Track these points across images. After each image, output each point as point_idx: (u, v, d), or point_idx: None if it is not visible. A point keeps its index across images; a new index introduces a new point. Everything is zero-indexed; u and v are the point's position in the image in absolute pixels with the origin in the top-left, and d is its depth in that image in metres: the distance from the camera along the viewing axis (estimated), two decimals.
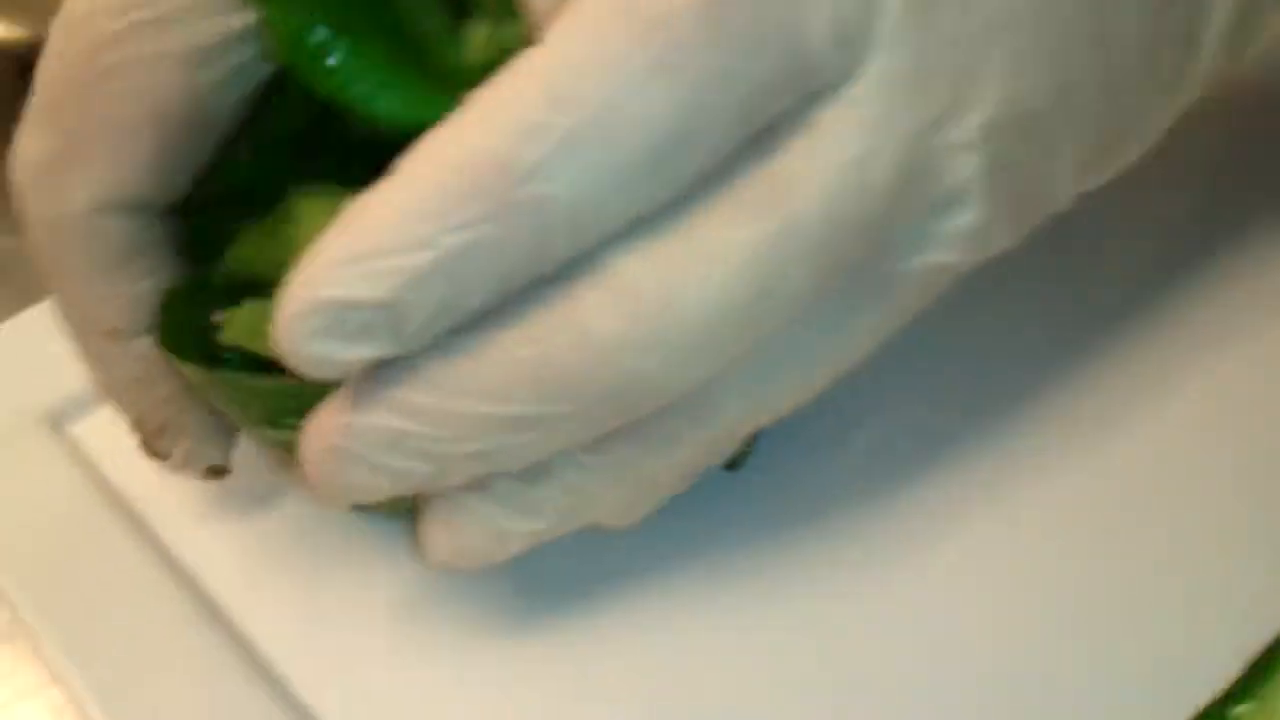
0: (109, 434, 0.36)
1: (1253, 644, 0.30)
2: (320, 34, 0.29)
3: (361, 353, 0.25)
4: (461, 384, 0.26)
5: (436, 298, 0.24)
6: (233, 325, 0.32)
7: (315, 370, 0.25)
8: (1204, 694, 0.29)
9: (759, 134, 0.25)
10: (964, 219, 0.27)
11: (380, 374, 0.26)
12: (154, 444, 0.34)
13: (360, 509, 0.31)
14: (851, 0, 0.25)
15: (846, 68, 0.25)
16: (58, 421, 0.39)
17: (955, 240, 0.27)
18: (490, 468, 0.27)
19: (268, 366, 0.28)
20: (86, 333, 0.33)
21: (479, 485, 0.28)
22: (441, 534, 0.29)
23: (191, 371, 0.32)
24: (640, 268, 0.25)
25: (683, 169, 0.24)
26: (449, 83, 0.28)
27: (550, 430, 0.26)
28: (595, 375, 0.25)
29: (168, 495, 0.37)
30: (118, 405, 0.34)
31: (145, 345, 0.32)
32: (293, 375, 0.26)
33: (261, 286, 0.30)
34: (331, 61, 0.29)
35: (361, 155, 0.27)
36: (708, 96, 0.24)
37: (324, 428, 0.27)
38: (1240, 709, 0.29)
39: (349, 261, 0.24)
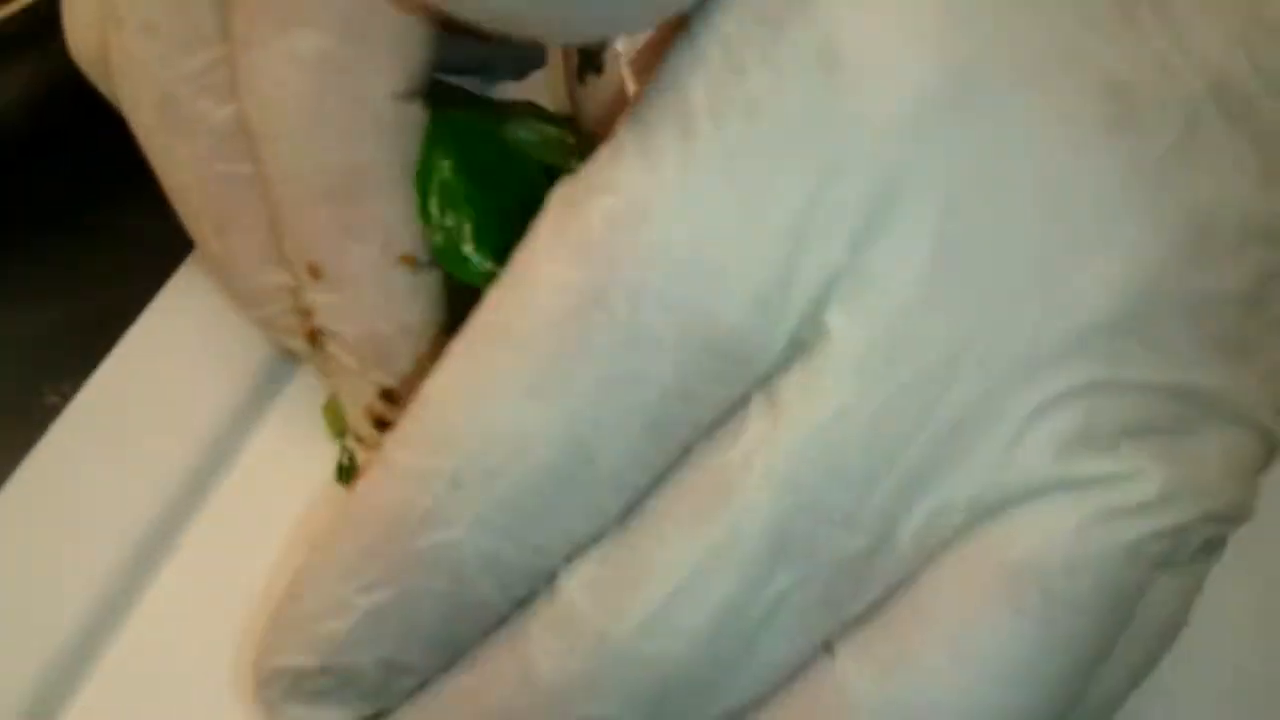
0: None
1: None
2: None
3: (334, 715, 0.25)
4: None
5: (375, 658, 0.24)
6: None
7: None
8: None
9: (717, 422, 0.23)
10: None
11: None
12: (395, 408, 0.31)
13: None
14: (768, 272, 0.22)
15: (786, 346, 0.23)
16: None
17: None
18: None
19: None
20: (379, 266, 0.30)
21: None
22: None
23: None
24: (579, 594, 0.23)
25: (594, 488, 0.23)
26: None
27: None
28: None
29: None
30: (367, 358, 0.31)
31: (437, 281, 0.31)
32: None
33: None
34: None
35: None
36: (596, 413, 0.23)
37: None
38: None
39: (287, 630, 0.25)
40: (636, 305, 0.22)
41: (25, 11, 0.42)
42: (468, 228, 0.30)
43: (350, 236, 0.29)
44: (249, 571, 0.35)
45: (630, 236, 0.22)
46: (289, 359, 0.38)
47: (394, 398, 0.31)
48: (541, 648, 0.24)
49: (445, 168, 0.30)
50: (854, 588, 0.24)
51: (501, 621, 0.24)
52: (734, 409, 0.23)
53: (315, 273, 0.29)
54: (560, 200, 0.23)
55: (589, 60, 0.36)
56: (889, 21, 0.22)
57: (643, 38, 0.33)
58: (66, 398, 0.41)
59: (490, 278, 0.26)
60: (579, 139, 0.36)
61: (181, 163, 0.30)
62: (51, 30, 0.42)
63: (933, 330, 0.22)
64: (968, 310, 0.22)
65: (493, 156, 0.32)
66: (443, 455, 0.23)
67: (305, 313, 0.31)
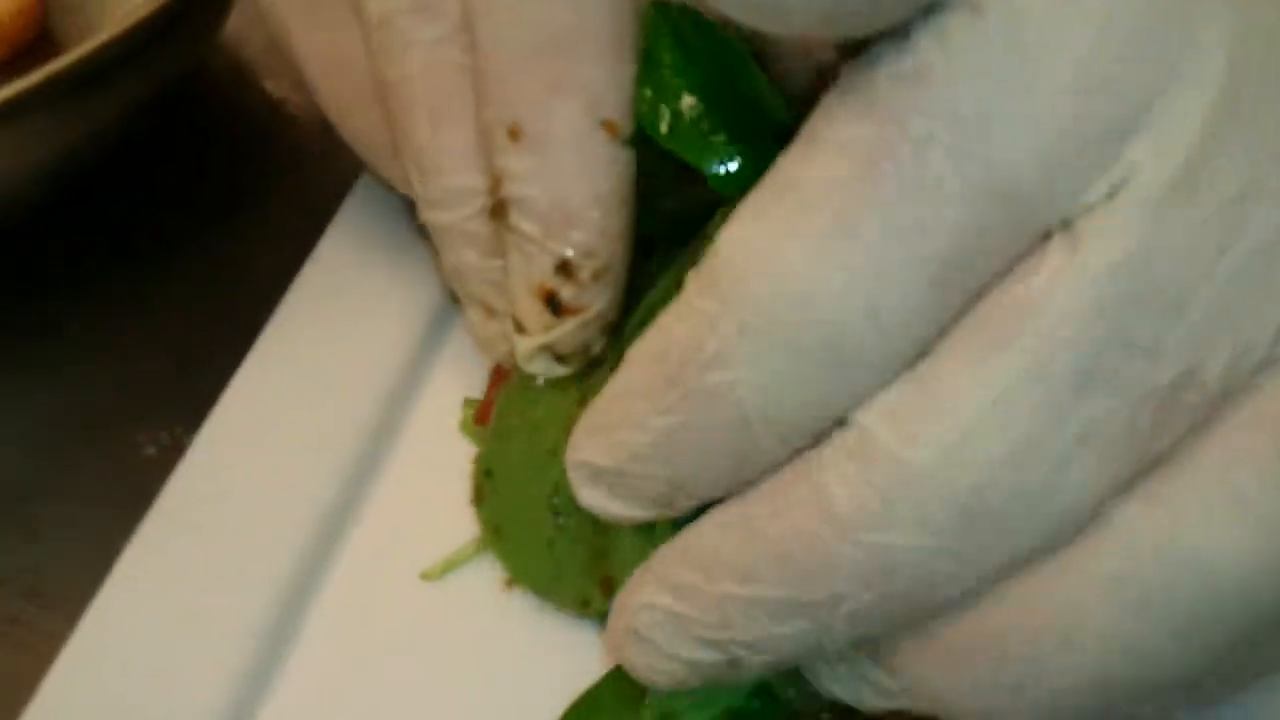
0: None
1: None
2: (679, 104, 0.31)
3: (623, 510, 0.27)
4: (718, 562, 0.25)
5: (663, 474, 0.25)
6: None
7: (600, 515, 0.28)
8: None
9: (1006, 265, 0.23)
10: None
11: (660, 551, 0.27)
12: (573, 286, 0.31)
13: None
14: (1058, 123, 0.22)
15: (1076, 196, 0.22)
16: None
17: None
18: (773, 660, 0.25)
19: None
20: (581, 128, 0.30)
21: None
22: None
23: None
24: (878, 425, 0.23)
25: (878, 340, 0.23)
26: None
27: (816, 619, 0.24)
28: (842, 553, 0.23)
29: None
30: (553, 223, 0.30)
31: (633, 158, 0.31)
32: None
33: None
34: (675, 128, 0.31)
35: None
36: (880, 265, 0.22)
37: (621, 608, 0.27)
38: None
39: (591, 431, 0.27)
40: (924, 157, 0.22)
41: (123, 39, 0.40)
42: (702, 110, 0.31)
43: (557, 94, 0.29)
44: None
45: (917, 92, 0.22)
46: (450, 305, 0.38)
47: (570, 271, 0.31)
48: (837, 475, 0.23)
49: (669, 59, 0.31)
50: (1159, 423, 0.23)
51: (786, 460, 0.24)
52: (1026, 252, 0.23)
53: (515, 134, 0.30)
54: (847, 69, 0.23)
55: None
56: None
57: None
58: (164, 447, 0.39)
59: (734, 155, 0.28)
60: None
61: (415, 47, 0.31)
62: (120, 69, 0.42)
63: (1230, 160, 0.22)
64: (1264, 138, 0.22)
65: (714, 45, 0.32)
66: (731, 303, 0.23)
67: (496, 182, 0.31)
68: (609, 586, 0.34)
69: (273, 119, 0.49)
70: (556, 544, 0.34)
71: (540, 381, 0.35)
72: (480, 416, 0.38)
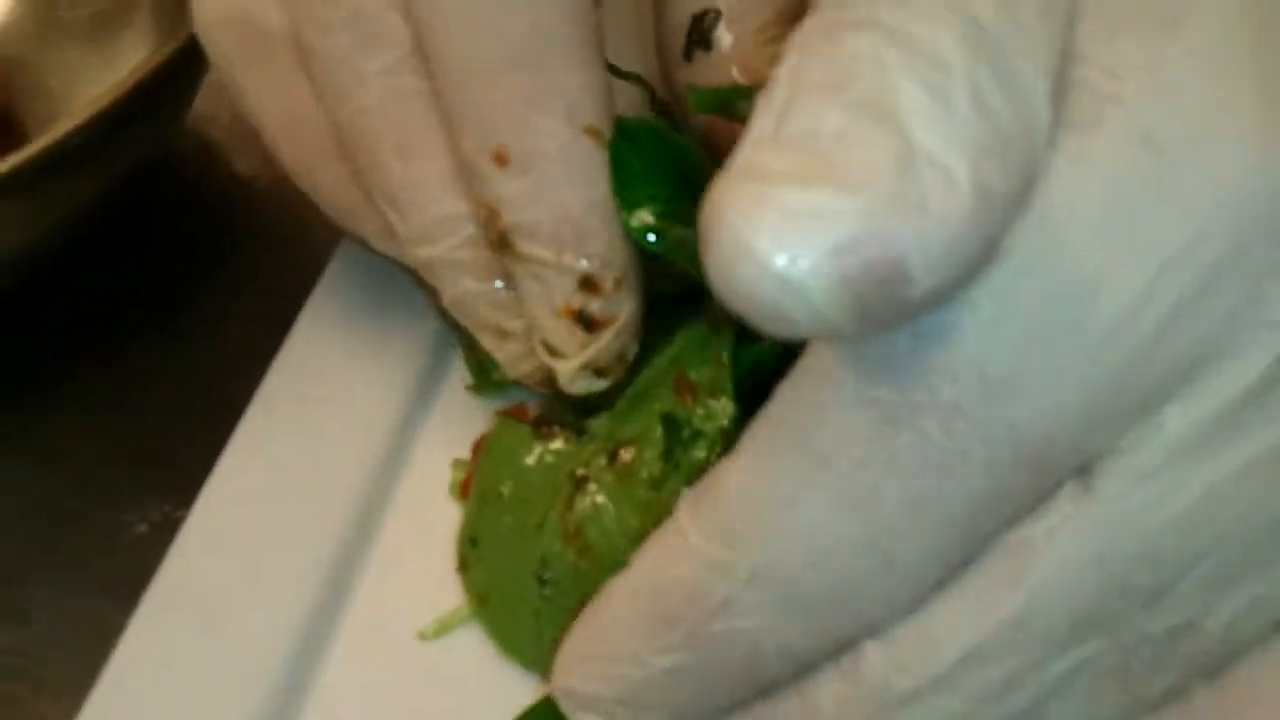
0: None
1: None
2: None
3: None
4: None
5: (665, 702, 0.25)
6: None
7: None
8: None
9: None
10: None
11: None
12: (599, 299, 0.31)
13: None
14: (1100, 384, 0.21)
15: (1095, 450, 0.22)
16: None
17: None
18: None
19: None
20: (565, 138, 0.29)
21: None
22: None
23: None
24: (876, 651, 0.23)
25: (892, 585, 0.23)
26: None
27: None
28: None
29: None
30: (563, 241, 0.30)
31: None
32: None
33: None
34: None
35: None
36: (898, 525, 0.22)
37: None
38: None
39: (586, 659, 0.26)
40: (949, 427, 0.21)
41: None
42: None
43: (536, 108, 0.29)
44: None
45: (941, 353, 0.21)
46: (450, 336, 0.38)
47: (593, 285, 0.30)
48: (829, 692, 0.23)
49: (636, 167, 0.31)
50: (1152, 670, 0.23)
51: (791, 677, 0.24)
52: (1041, 497, 0.22)
53: (501, 159, 0.29)
54: None
55: (699, 36, 0.35)
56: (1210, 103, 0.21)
57: (750, 16, 0.34)
58: (155, 524, 0.39)
59: None
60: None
61: (367, 80, 0.30)
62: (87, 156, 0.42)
63: (1264, 424, 0.22)
64: None
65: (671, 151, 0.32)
66: (740, 552, 0.23)
67: (492, 214, 0.30)
68: None
69: (243, 197, 0.49)
70: (543, 615, 0.35)
71: (530, 458, 0.36)
72: (464, 490, 0.38)
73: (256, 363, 0.40)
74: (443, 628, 0.36)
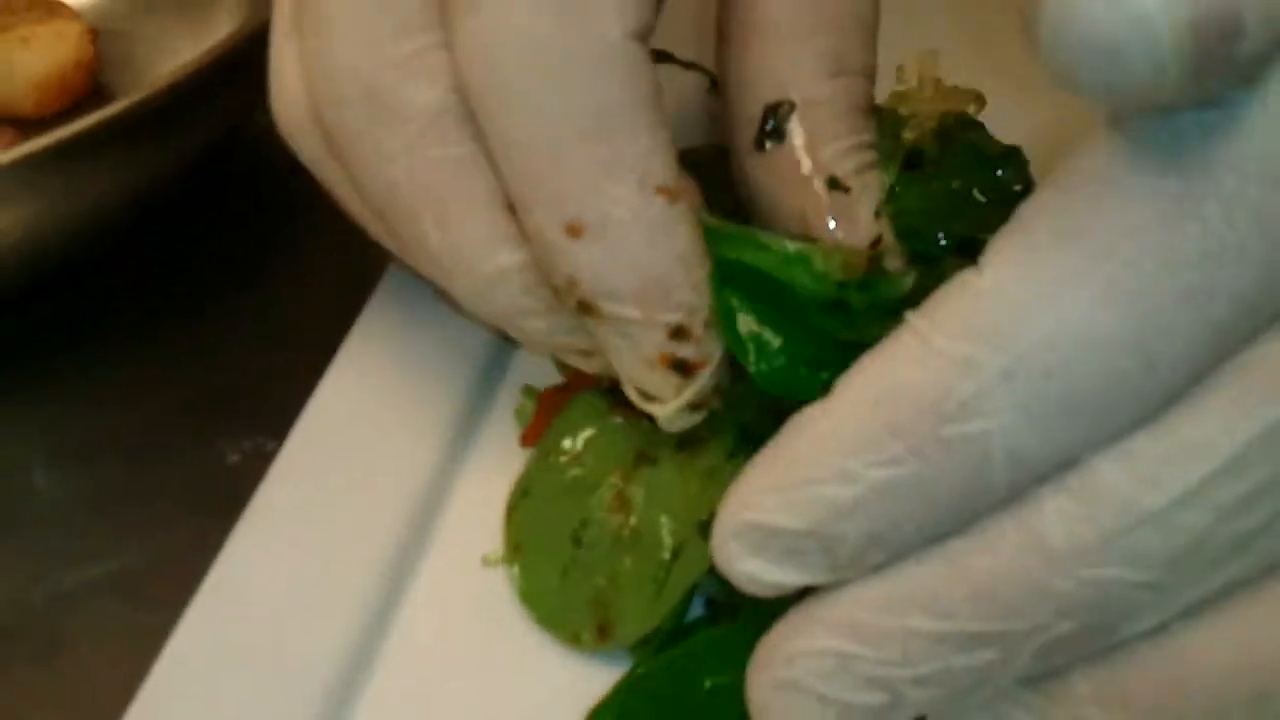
0: None
1: None
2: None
3: (790, 577, 0.25)
4: (910, 599, 0.24)
5: (864, 530, 0.24)
6: None
7: (747, 587, 0.25)
8: None
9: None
10: None
11: (822, 596, 0.25)
12: (691, 344, 0.31)
13: None
14: None
15: None
16: None
17: None
18: (941, 695, 0.25)
19: None
20: (639, 202, 0.29)
21: None
22: None
23: None
24: (1110, 467, 0.23)
25: (1146, 390, 0.22)
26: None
27: (1004, 651, 0.24)
28: (1052, 586, 0.23)
29: None
30: (650, 299, 0.30)
31: (692, 213, 0.30)
32: None
33: None
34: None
35: None
36: (1167, 321, 0.22)
37: (768, 661, 0.26)
38: None
39: (774, 489, 0.24)
40: (1231, 218, 0.21)
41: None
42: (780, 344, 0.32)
43: (606, 178, 0.29)
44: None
45: (1230, 145, 0.21)
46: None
47: (684, 333, 0.31)
48: (1056, 514, 0.23)
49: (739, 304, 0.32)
50: None
51: (1002, 502, 0.24)
52: None
53: (575, 231, 0.29)
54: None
55: (773, 128, 0.35)
56: None
57: (824, 109, 0.34)
58: (248, 455, 0.40)
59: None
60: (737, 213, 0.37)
61: (392, 155, 0.31)
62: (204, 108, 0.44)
63: None
64: None
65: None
66: (996, 347, 0.22)
67: (571, 283, 0.30)
68: (603, 631, 0.35)
69: None
70: (570, 574, 0.36)
71: (602, 426, 0.37)
72: (527, 438, 0.40)
73: (338, 312, 0.42)
74: (498, 560, 0.38)
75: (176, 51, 0.54)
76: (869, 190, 0.34)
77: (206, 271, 0.47)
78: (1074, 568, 0.23)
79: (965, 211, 0.37)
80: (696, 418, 0.33)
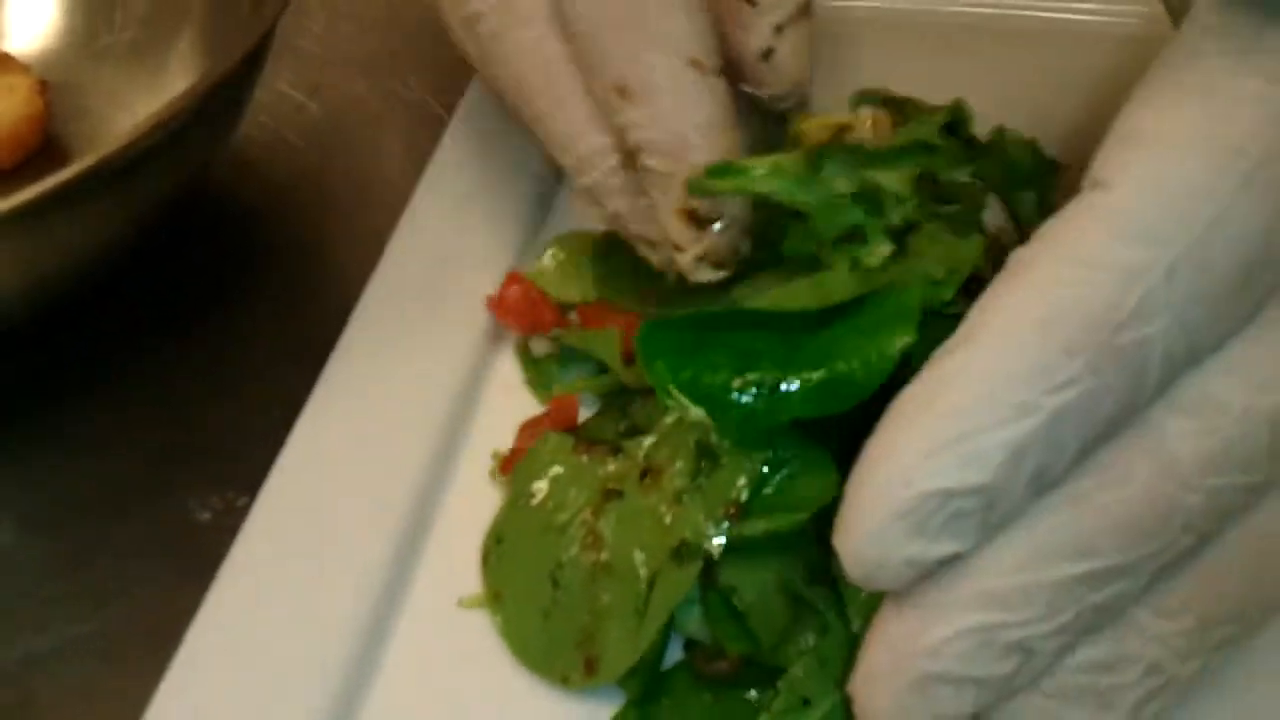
0: None
1: None
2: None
3: (943, 549, 0.24)
4: (1052, 549, 0.24)
5: (1033, 468, 0.24)
6: None
7: (899, 577, 0.25)
8: None
9: None
10: None
11: (940, 582, 0.25)
12: (706, 200, 0.37)
13: None
14: None
15: None
16: None
17: None
18: (1070, 641, 0.25)
19: None
20: (674, 71, 0.36)
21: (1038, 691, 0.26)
22: None
23: None
24: (1216, 380, 0.24)
25: (1267, 279, 0.24)
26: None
27: (1134, 578, 0.25)
28: (1183, 503, 0.24)
29: None
30: (674, 155, 0.36)
31: (720, 85, 0.37)
32: None
33: None
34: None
35: None
36: None
37: (900, 664, 0.25)
38: None
39: (944, 448, 0.24)
40: None
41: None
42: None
43: (649, 50, 0.36)
44: None
45: None
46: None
47: (699, 187, 0.37)
48: (1176, 432, 0.24)
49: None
50: None
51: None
52: None
53: (623, 93, 0.36)
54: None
55: None
56: None
57: None
58: (218, 511, 0.40)
59: None
60: None
61: (523, 49, 0.39)
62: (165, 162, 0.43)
63: None
64: None
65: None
66: (1163, 246, 0.23)
67: (620, 134, 0.37)
68: (591, 667, 0.35)
69: (283, 205, 0.51)
70: (552, 616, 0.36)
71: (566, 468, 0.38)
72: (505, 466, 0.40)
73: (306, 361, 0.42)
74: (475, 603, 0.38)
75: (130, 103, 0.53)
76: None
77: (164, 325, 0.47)
78: (1202, 480, 0.24)
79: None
80: (720, 274, 0.38)
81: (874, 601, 0.33)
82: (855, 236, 0.37)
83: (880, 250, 0.36)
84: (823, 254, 0.37)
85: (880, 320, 0.35)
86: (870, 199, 0.37)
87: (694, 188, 0.37)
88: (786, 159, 0.37)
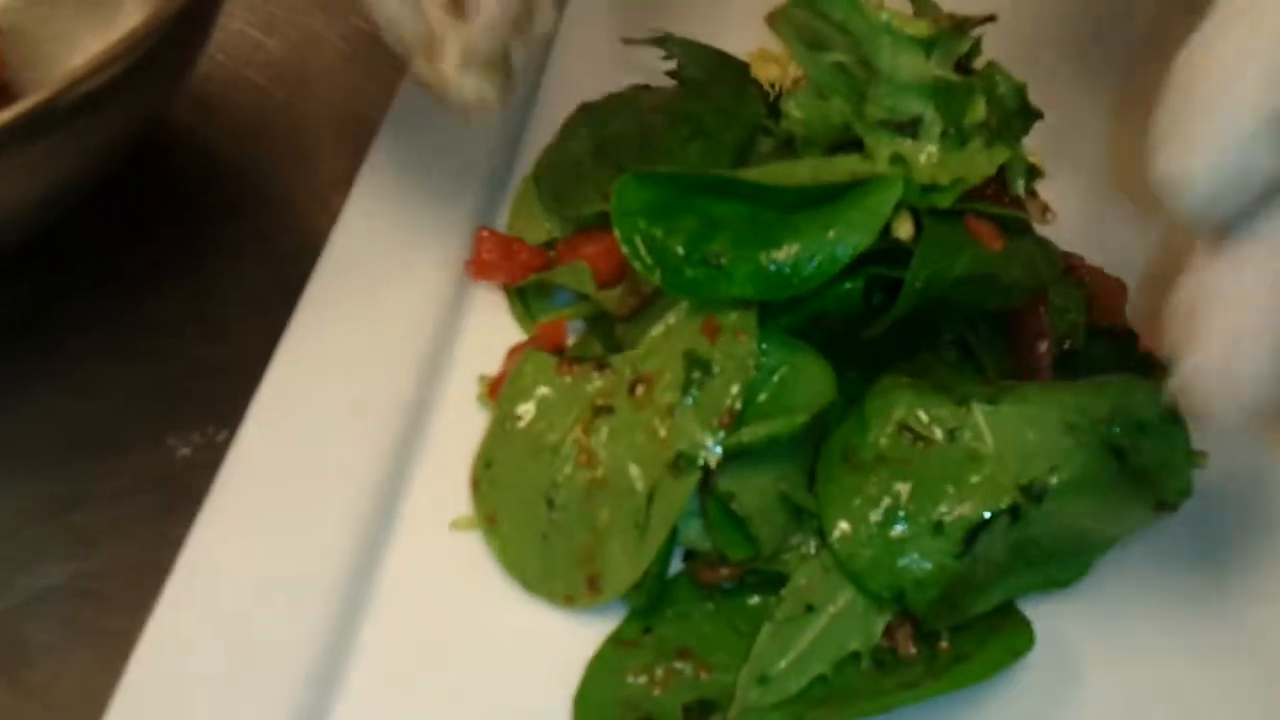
0: None
1: None
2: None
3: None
4: None
5: None
6: None
7: (1235, 200, 0.26)
8: None
9: None
10: None
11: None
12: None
13: None
14: None
15: None
16: None
17: None
18: None
19: None
20: None
21: None
22: None
23: None
24: None
25: None
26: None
27: None
28: None
29: None
30: None
31: None
32: None
33: None
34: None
35: None
36: None
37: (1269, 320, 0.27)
38: None
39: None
40: None
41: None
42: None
43: None
44: None
45: None
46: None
47: None
48: None
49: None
50: None
51: None
52: None
53: None
54: None
55: None
56: None
57: None
58: (198, 447, 0.40)
59: None
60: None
61: None
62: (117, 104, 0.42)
63: None
64: None
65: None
66: None
67: None
68: (594, 585, 0.35)
69: (243, 146, 0.50)
70: (550, 538, 0.36)
71: (551, 388, 0.38)
72: (492, 390, 0.40)
73: (280, 297, 0.41)
74: (468, 524, 0.37)
75: (84, 47, 0.52)
76: None
77: (136, 266, 0.46)
78: None
79: None
80: (488, 89, 0.37)
81: (857, 508, 0.34)
82: (909, 128, 0.37)
83: (929, 149, 0.36)
84: (868, 136, 0.37)
85: (847, 221, 0.35)
86: (945, 96, 0.37)
87: None
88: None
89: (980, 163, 0.36)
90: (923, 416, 0.35)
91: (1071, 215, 0.45)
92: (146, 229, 0.46)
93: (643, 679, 0.34)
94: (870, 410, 0.36)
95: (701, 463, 0.34)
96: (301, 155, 0.50)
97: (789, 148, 0.40)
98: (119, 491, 0.39)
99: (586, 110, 0.47)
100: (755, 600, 0.35)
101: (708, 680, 0.34)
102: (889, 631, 0.34)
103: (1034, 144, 0.39)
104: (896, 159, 0.36)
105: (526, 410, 0.38)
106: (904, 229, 0.35)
